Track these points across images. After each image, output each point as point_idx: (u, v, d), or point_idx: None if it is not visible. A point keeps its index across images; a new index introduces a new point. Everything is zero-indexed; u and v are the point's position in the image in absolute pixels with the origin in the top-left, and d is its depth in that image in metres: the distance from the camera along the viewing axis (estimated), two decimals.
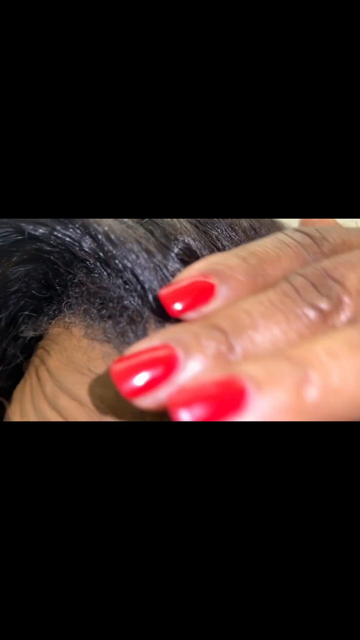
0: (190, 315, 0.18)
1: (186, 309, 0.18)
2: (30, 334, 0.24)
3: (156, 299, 0.21)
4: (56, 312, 0.23)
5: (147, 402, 0.16)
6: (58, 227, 0.22)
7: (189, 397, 0.15)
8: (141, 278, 0.21)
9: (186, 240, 0.22)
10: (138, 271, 0.21)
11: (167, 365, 0.16)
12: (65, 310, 0.23)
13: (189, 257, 0.22)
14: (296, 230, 0.20)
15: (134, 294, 0.21)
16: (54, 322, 0.23)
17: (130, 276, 0.21)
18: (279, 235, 0.20)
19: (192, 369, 0.16)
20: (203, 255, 0.22)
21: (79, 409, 0.21)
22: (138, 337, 0.21)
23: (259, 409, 0.14)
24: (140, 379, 0.16)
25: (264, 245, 0.20)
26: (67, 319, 0.23)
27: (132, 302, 0.21)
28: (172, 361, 0.16)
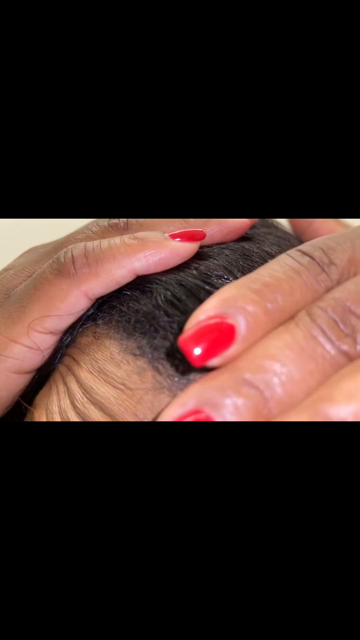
0: (214, 362, 0.18)
1: (208, 355, 0.18)
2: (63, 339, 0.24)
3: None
4: (88, 320, 0.24)
5: None
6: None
7: None
8: (180, 297, 0.22)
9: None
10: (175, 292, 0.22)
11: None
12: (99, 321, 0.23)
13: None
14: (302, 253, 0.20)
15: (170, 312, 0.22)
16: (83, 330, 0.24)
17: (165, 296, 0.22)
18: (286, 261, 0.20)
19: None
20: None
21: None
22: (172, 357, 0.21)
23: None
24: None
25: (274, 274, 0.19)
26: (99, 329, 0.23)
27: (166, 319, 0.21)
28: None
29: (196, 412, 0.17)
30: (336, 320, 0.17)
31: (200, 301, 0.21)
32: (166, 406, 0.17)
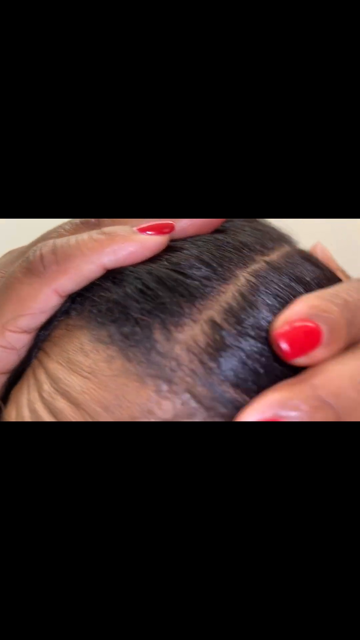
0: (301, 361, 0.19)
1: (297, 352, 0.19)
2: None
3: (160, 303, 0.22)
4: (63, 314, 0.24)
5: None
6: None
7: None
8: (151, 284, 0.22)
9: (192, 249, 0.23)
10: (144, 279, 0.22)
11: None
12: (72, 313, 0.23)
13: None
14: None
15: (140, 297, 0.22)
16: (57, 323, 0.24)
17: (136, 285, 0.22)
18: (356, 284, 0.21)
19: None
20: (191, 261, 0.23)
21: (75, 412, 0.21)
22: (143, 341, 0.21)
23: None
24: None
25: (352, 294, 0.21)
26: (71, 321, 0.23)
27: (137, 306, 0.22)
28: None
29: (271, 420, 0.18)
30: None
31: (170, 289, 0.22)
32: (243, 409, 0.18)
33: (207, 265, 0.23)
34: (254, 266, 0.24)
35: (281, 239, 0.27)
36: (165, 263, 0.23)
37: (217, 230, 0.25)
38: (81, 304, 0.23)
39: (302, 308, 0.20)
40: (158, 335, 0.21)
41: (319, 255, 0.27)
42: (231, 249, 0.24)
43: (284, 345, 0.19)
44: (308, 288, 0.24)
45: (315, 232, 0.32)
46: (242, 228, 0.26)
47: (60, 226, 0.26)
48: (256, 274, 0.23)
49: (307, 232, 0.29)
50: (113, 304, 0.22)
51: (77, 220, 0.25)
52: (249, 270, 0.23)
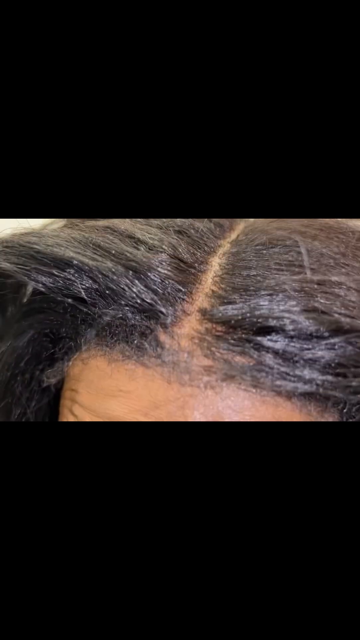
0: None
1: None
2: (54, 380, 0.25)
3: (153, 308, 0.23)
4: (70, 353, 0.25)
5: None
6: (56, 273, 0.23)
7: None
8: (142, 295, 0.23)
9: (168, 250, 0.24)
10: (135, 290, 0.23)
11: None
12: (81, 347, 0.24)
13: (174, 262, 0.23)
14: None
15: (136, 312, 0.23)
16: (70, 363, 0.25)
17: (132, 297, 0.23)
18: None
19: None
20: (187, 258, 0.24)
21: None
22: (153, 347, 0.22)
23: None
24: None
25: None
26: (83, 355, 0.24)
27: (137, 319, 0.23)
28: None
29: None
30: None
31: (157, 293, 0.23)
32: None
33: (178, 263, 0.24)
34: (221, 250, 0.25)
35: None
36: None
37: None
38: (85, 337, 0.24)
39: None
40: (163, 337, 0.22)
41: None
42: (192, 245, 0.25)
43: None
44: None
45: None
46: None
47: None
48: (226, 254, 0.24)
49: None
50: (115, 326, 0.23)
51: (62, 222, 0.26)
52: (218, 254, 0.24)
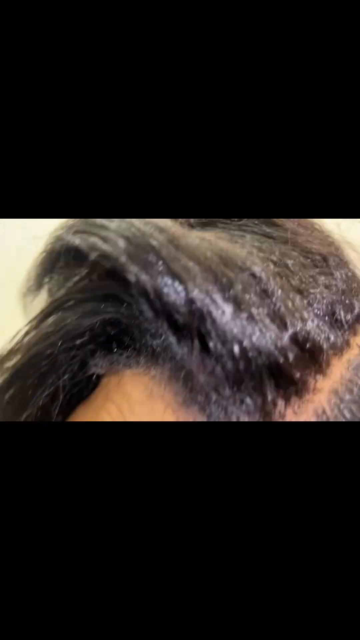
0: None
1: None
2: (99, 371, 0.24)
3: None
4: (127, 359, 0.23)
5: None
6: (164, 280, 0.20)
7: None
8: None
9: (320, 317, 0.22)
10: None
11: None
12: (144, 365, 0.23)
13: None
14: None
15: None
16: (121, 366, 0.23)
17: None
18: None
19: None
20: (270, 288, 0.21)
21: None
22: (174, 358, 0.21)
23: None
24: None
25: None
26: (141, 374, 0.22)
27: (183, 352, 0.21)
28: None
29: None
30: None
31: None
32: None
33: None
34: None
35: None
36: None
37: None
38: (160, 359, 0.22)
39: None
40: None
41: None
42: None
43: None
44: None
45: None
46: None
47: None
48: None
49: None
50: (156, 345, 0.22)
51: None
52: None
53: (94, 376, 0.25)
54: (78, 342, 0.24)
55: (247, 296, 0.19)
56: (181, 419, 0.20)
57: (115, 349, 0.24)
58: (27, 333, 0.25)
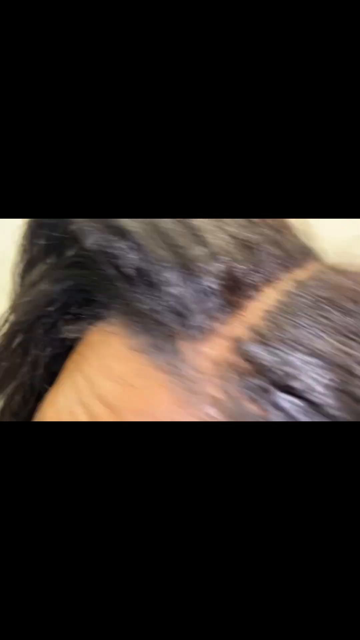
0: None
1: None
2: (71, 335, 0.25)
3: (187, 315, 0.22)
4: (95, 319, 0.24)
5: None
6: (111, 238, 0.23)
7: None
8: (181, 297, 0.22)
9: (228, 263, 0.22)
10: (176, 290, 0.22)
11: None
12: (107, 319, 0.23)
13: (229, 280, 0.22)
14: None
15: (170, 311, 0.22)
16: (92, 327, 0.24)
17: (172, 294, 0.22)
18: None
19: None
20: (246, 279, 0.23)
21: (111, 417, 0.21)
22: (173, 354, 0.21)
23: None
24: None
25: None
26: (106, 328, 0.23)
27: (168, 319, 0.22)
28: None
29: None
30: None
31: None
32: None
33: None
34: (282, 285, 0.23)
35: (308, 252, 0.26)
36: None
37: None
38: (117, 310, 0.23)
39: None
40: (186, 348, 0.21)
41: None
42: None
43: None
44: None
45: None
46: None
47: None
48: (289, 294, 0.22)
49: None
50: (147, 314, 0.22)
51: None
52: (278, 289, 0.23)
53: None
54: (51, 308, 0.26)
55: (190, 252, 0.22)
56: (133, 349, 0.22)
57: (83, 314, 0.25)
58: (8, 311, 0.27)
